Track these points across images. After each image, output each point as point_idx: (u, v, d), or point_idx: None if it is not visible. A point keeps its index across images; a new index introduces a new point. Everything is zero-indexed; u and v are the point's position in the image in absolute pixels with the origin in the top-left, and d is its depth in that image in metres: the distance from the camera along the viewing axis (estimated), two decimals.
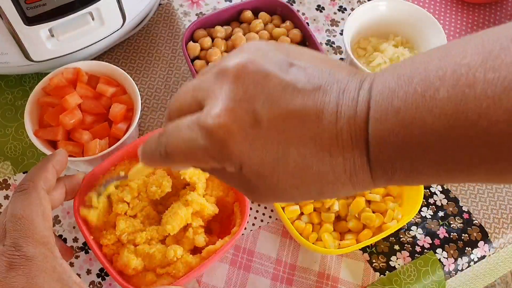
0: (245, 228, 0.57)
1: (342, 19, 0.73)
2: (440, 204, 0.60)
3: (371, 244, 0.57)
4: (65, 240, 0.56)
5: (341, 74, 0.30)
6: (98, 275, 0.55)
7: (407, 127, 0.27)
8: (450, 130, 0.26)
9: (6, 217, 0.41)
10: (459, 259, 0.57)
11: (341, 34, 0.71)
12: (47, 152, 0.53)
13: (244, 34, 0.64)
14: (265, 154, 0.30)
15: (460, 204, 0.60)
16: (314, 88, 0.29)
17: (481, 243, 0.58)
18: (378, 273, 0.56)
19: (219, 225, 0.54)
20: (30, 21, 0.53)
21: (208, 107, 0.31)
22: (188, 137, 0.31)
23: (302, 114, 0.29)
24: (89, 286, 0.54)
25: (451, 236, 0.58)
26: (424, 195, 0.60)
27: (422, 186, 0.54)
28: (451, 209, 0.60)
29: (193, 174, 0.51)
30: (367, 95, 0.29)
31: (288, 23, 0.65)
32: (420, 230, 0.58)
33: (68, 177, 0.49)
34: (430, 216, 0.59)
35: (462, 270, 0.57)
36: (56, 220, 0.57)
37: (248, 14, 0.65)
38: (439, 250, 0.57)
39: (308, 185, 0.30)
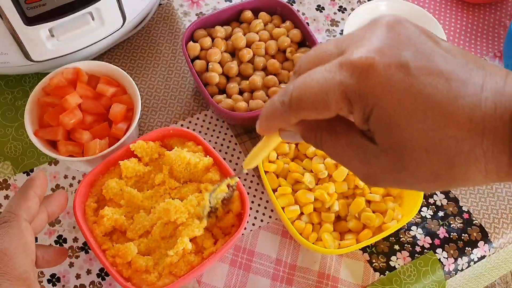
0: (245, 228, 0.57)
1: (342, 19, 0.73)
2: (440, 204, 0.60)
3: (371, 244, 0.57)
4: (65, 240, 0.56)
5: (486, 62, 0.30)
6: (98, 275, 0.55)
7: None
8: None
9: None
10: (459, 259, 0.57)
11: (341, 34, 0.71)
12: (47, 152, 0.53)
13: (244, 34, 0.64)
14: (404, 100, 0.28)
15: (460, 204, 0.60)
16: (462, 62, 0.29)
17: (481, 243, 0.58)
18: (378, 273, 0.56)
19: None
20: (30, 21, 0.53)
21: (353, 48, 0.30)
22: (322, 77, 0.30)
23: (449, 76, 0.28)
24: (89, 286, 0.54)
25: (451, 236, 0.58)
26: (424, 195, 0.60)
27: None
28: (451, 209, 0.60)
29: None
30: None
31: (288, 23, 0.65)
32: (420, 230, 0.58)
33: (48, 200, 0.47)
34: (430, 216, 0.59)
35: (462, 270, 0.57)
36: (56, 220, 0.57)
37: (248, 14, 0.65)
38: (439, 250, 0.57)
39: (440, 151, 0.28)
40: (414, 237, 0.58)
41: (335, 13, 0.73)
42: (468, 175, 0.29)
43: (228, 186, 0.50)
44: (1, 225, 0.41)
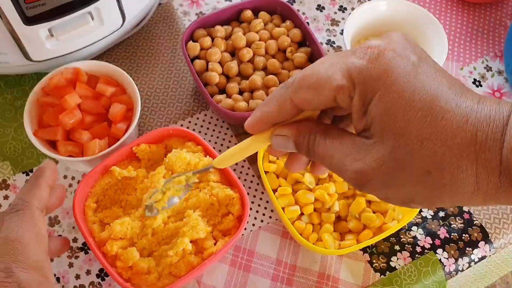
0: (245, 228, 0.57)
1: (343, 18, 0.73)
2: None
3: (371, 245, 0.57)
4: None
5: (473, 93, 0.31)
6: (98, 275, 0.54)
7: None
8: None
9: None
10: (460, 259, 0.57)
11: (342, 33, 0.71)
12: (47, 152, 0.53)
13: (244, 34, 0.63)
14: (407, 91, 0.29)
15: None
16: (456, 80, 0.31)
17: (481, 244, 0.58)
18: (378, 274, 0.55)
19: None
20: (29, 21, 0.53)
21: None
22: (329, 63, 0.31)
23: (452, 83, 0.30)
24: (88, 286, 0.54)
25: (451, 236, 0.58)
26: None
27: None
28: (451, 209, 0.60)
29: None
30: (509, 107, 0.29)
31: (288, 22, 0.65)
32: (420, 230, 0.58)
33: None
34: (430, 216, 0.59)
35: (462, 270, 0.57)
36: (56, 220, 0.57)
37: (248, 13, 0.65)
38: (439, 251, 0.57)
39: (433, 145, 0.29)
40: (414, 237, 0.57)
41: (335, 13, 0.73)
42: (457, 181, 0.29)
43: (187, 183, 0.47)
44: (15, 213, 0.40)
